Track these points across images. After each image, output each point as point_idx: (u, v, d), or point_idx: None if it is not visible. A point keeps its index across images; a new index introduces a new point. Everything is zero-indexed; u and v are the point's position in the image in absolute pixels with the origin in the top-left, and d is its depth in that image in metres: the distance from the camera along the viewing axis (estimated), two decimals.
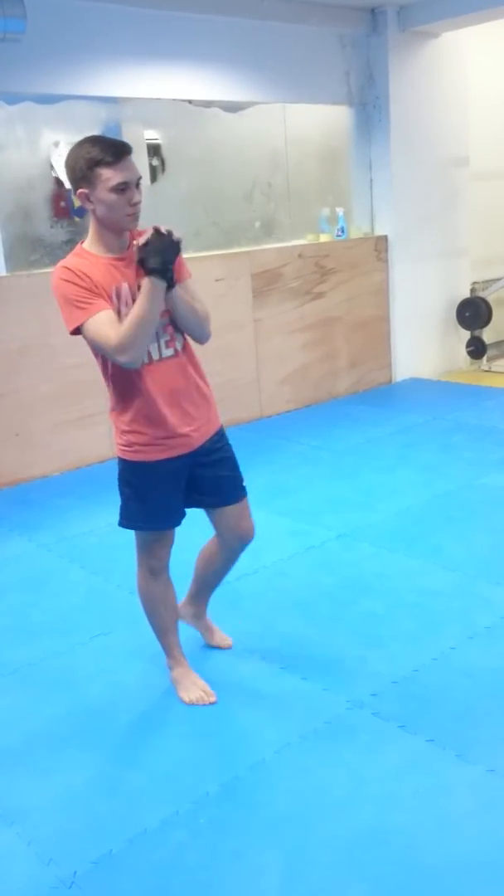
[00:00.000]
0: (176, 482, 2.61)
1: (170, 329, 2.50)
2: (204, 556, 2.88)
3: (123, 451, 2.58)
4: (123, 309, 2.40)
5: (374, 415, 6.14)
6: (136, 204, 2.38)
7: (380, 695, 2.74)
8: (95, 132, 6.36)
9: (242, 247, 6.20)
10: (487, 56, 7.19)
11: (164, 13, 5.31)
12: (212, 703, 2.74)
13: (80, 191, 2.36)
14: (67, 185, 6.21)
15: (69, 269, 2.39)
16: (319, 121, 6.75)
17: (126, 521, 2.67)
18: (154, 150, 6.74)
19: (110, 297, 2.39)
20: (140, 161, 6.65)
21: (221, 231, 6.22)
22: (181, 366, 2.54)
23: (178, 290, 2.42)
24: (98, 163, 2.30)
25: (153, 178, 6.65)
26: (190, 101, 5.79)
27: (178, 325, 2.51)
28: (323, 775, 2.41)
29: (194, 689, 2.77)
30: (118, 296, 2.40)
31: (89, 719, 2.74)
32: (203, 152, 6.13)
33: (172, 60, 5.46)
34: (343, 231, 6.62)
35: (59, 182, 6.17)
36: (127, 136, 6.45)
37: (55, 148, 6.41)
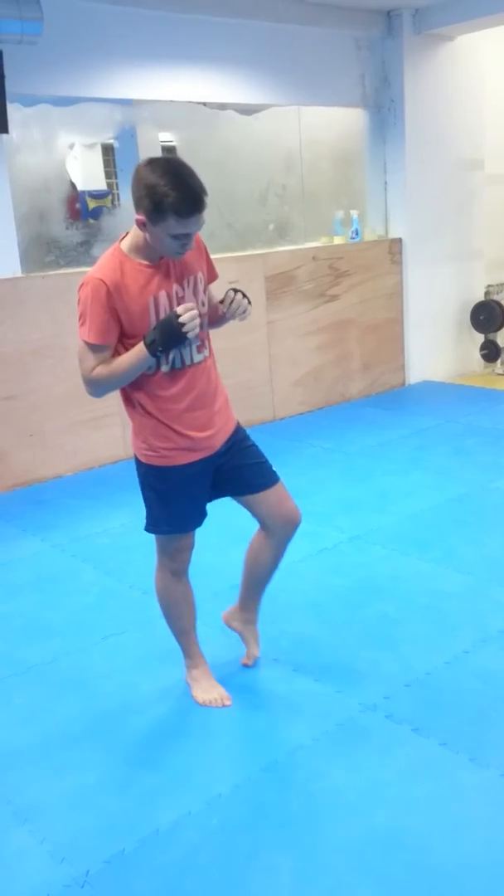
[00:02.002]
0: (200, 484, 2.61)
1: (202, 334, 2.51)
2: (252, 552, 2.82)
3: (148, 456, 2.56)
4: (163, 315, 2.40)
5: (387, 417, 6.13)
6: (188, 249, 2.36)
7: (392, 697, 2.73)
8: (110, 134, 6.45)
9: (256, 249, 6.21)
10: (503, 59, 7.17)
11: (178, 16, 5.33)
12: (225, 707, 2.74)
13: (138, 213, 2.29)
14: (80, 187, 6.18)
15: (104, 284, 2.33)
16: (334, 123, 6.75)
17: (152, 525, 2.66)
18: (168, 152, 6.76)
19: (146, 310, 2.38)
20: None
21: (235, 233, 6.23)
22: (207, 369, 2.55)
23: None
24: (170, 211, 2.22)
25: (136, 185, 6.68)
26: (205, 104, 5.80)
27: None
28: (335, 778, 2.41)
29: (212, 690, 2.77)
30: (156, 304, 2.40)
31: (102, 719, 2.75)
32: (217, 154, 6.14)
33: (187, 63, 5.47)
34: (357, 233, 6.62)
35: (73, 184, 6.20)
36: (142, 139, 6.49)
37: (70, 150, 6.44)
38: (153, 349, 2.34)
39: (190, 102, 5.69)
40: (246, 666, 2.95)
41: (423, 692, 2.76)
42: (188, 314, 2.30)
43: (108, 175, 7.19)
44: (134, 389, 2.50)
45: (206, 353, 2.54)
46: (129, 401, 2.55)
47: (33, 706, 2.86)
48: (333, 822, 2.23)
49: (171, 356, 2.43)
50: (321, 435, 5.74)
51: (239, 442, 2.66)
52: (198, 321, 2.33)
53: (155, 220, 2.25)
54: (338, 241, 6.58)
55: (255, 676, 2.92)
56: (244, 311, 2.50)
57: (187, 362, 2.48)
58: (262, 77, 5.86)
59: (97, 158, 7.15)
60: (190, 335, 2.32)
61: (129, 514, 4.52)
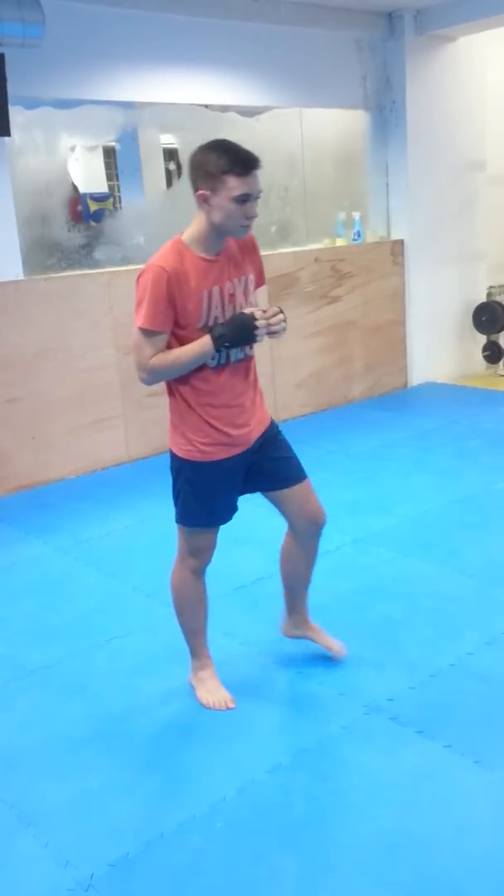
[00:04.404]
0: (233, 479, 2.63)
1: None
2: (284, 556, 2.87)
3: (186, 451, 2.58)
4: (214, 310, 2.44)
5: (389, 419, 6.13)
6: (252, 217, 2.39)
7: (397, 700, 2.72)
8: (112, 137, 6.45)
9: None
10: None
11: (180, 18, 5.33)
12: (229, 710, 2.73)
13: (200, 192, 2.37)
14: (83, 189, 6.20)
15: (166, 271, 2.37)
16: (336, 125, 6.75)
17: (183, 518, 2.66)
18: (170, 154, 6.76)
19: (200, 302, 2.41)
20: (156, 165, 6.69)
21: None
22: (248, 367, 2.59)
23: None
24: (228, 171, 2.31)
25: (169, 182, 6.68)
26: (206, 106, 5.80)
27: None
28: (340, 780, 2.40)
29: (217, 693, 2.76)
30: (209, 299, 2.43)
31: (106, 722, 2.74)
32: None
33: (189, 65, 5.47)
34: (359, 235, 6.62)
35: (75, 187, 6.20)
36: (143, 141, 6.49)
37: (72, 152, 6.44)
38: (220, 343, 2.38)
39: (192, 105, 5.69)
40: (339, 658, 2.93)
41: (428, 694, 2.76)
42: (270, 319, 2.39)
43: (109, 177, 7.19)
44: (178, 382, 2.52)
45: (249, 351, 2.57)
46: (171, 392, 2.57)
47: (37, 709, 2.86)
48: (338, 825, 2.23)
49: (224, 353, 2.47)
50: (324, 437, 5.74)
51: (271, 437, 2.69)
52: (272, 327, 2.40)
53: (216, 187, 2.32)
54: (340, 242, 6.58)
55: (259, 679, 2.92)
56: (282, 331, 2.48)
57: (231, 358, 2.51)
58: (263, 79, 5.86)
59: (99, 161, 7.15)
60: (259, 338, 2.40)
61: (132, 516, 4.52)
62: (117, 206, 6.82)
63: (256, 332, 2.39)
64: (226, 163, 2.31)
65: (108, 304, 5.26)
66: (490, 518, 4.22)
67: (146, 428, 5.50)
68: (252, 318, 2.39)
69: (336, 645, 2.96)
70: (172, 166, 6.70)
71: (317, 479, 2.85)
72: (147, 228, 5.85)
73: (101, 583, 3.78)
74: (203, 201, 2.37)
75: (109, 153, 7.11)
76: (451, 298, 7.17)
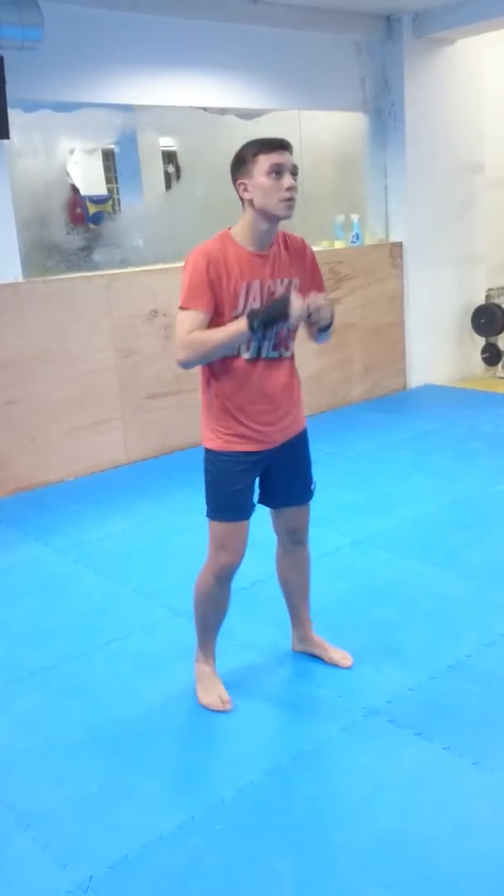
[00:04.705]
0: (251, 475, 2.65)
1: (283, 333, 2.56)
2: (278, 567, 2.95)
3: (210, 440, 2.62)
4: (251, 303, 2.47)
5: (388, 421, 6.13)
6: (291, 189, 2.45)
7: (396, 702, 2.73)
8: (111, 139, 6.45)
9: None
10: (503, 62, 7.18)
11: (179, 21, 5.34)
12: (225, 711, 2.72)
13: (238, 181, 2.47)
14: (82, 191, 6.21)
15: (207, 254, 2.45)
16: (334, 127, 6.76)
17: (208, 509, 2.68)
18: (169, 157, 6.77)
19: (237, 292, 2.45)
20: (155, 168, 6.70)
21: None
22: (283, 368, 2.61)
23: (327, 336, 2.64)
24: (258, 153, 2.43)
25: (168, 185, 6.68)
26: (205, 109, 5.81)
27: (309, 335, 2.67)
28: (339, 782, 2.40)
29: (215, 692, 2.76)
30: (248, 290, 2.47)
31: (105, 724, 2.74)
32: (218, 159, 6.10)
33: (188, 68, 5.48)
34: (358, 237, 6.62)
35: (75, 189, 6.21)
36: (142, 144, 6.50)
37: (71, 155, 6.45)
38: (251, 318, 2.39)
39: (190, 107, 5.70)
40: (347, 668, 2.93)
41: (427, 696, 2.76)
42: (311, 305, 2.41)
43: (108, 180, 7.20)
44: (212, 374, 2.55)
45: (286, 353, 2.60)
46: (205, 386, 2.60)
47: (35, 711, 2.85)
48: (337, 827, 2.23)
49: (256, 343, 2.49)
50: (323, 439, 5.70)
51: (296, 448, 2.73)
52: (306, 312, 2.41)
53: (251, 171, 2.43)
54: (339, 244, 6.59)
55: (258, 681, 2.92)
56: (322, 320, 2.51)
57: (263, 355, 2.54)
58: (262, 82, 5.87)
59: (97, 163, 7.16)
60: (292, 318, 2.41)
61: (130, 518, 4.52)
62: (116, 208, 6.83)
63: (290, 311, 2.39)
64: (256, 147, 2.44)
65: (108, 307, 5.26)
66: (489, 520, 4.22)
67: (145, 430, 5.51)
68: (288, 298, 2.41)
69: (340, 658, 2.96)
70: (171, 169, 6.71)
71: (316, 481, 2.86)
72: (146, 231, 5.86)
73: (101, 584, 3.78)
74: (244, 190, 2.46)
75: (108, 156, 7.12)
76: (449, 300, 7.17)
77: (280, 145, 2.44)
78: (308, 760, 2.49)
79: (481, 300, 7.30)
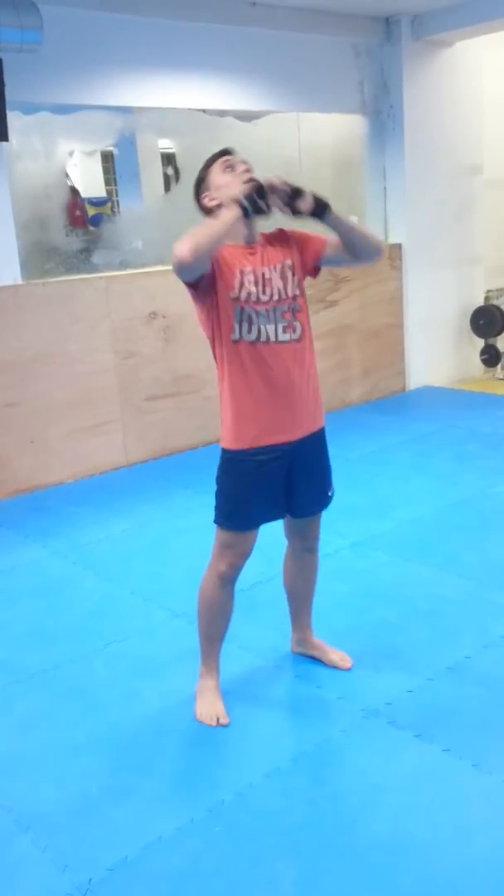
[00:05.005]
0: (272, 477, 2.60)
1: (287, 316, 2.54)
2: (284, 570, 2.94)
3: (227, 440, 2.59)
4: (247, 286, 2.48)
5: (387, 423, 6.13)
6: (248, 171, 2.52)
7: (395, 703, 2.73)
8: (110, 141, 6.46)
9: None
10: (501, 65, 7.19)
11: (178, 23, 5.34)
12: (222, 725, 2.68)
13: (202, 197, 2.58)
14: (83, 194, 6.21)
15: None
16: (333, 130, 6.76)
17: (217, 516, 2.65)
18: (168, 159, 6.79)
19: (234, 272, 2.47)
20: (154, 170, 6.71)
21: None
22: (296, 352, 2.57)
23: (335, 215, 2.51)
24: (209, 165, 2.59)
25: (167, 187, 6.69)
26: (204, 111, 5.81)
27: (352, 252, 2.59)
28: (338, 784, 2.40)
29: (212, 707, 2.71)
30: (242, 275, 2.48)
31: (104, 726, 2.74)
32: None
33: (186, 70, 5.49)
34: None
35: (74, 191, 6.22)
36: (141, 146, 6.51)
37: (70, 157, 6.45)
38: (239, 201, 2.40)
39: (189, 109, 5.70)
40: (346, 669, 2.92)
41: (426, 698, 2.76)
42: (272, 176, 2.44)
43: (107, 182, 7.21)
44: (226, 361, 2.53)
45: (295, 336, 2.56)
46: (220, 378, 2.58)
47: (35, 714, 2.86)
48: (337, 828, 2.23)
49: (256, 328, 2.49)
50: None
51: (317, 455, 2.71)
52: (279, 180, 2.43)
53: (208, 182, 2.57)
54: None
55: (258, 683, 2.92)
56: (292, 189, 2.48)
57: (272, 339, 2.52)
58: (261, 84, 5.87)
59: (97, 166, 7.18)
60: (268, 183, 2.43)
61: (130, 520, 4.52)
62: (115, 210, 6.84)
63: (265, 182, 2.43)
64: (206, 164, 2.60)
65: (107, 309, 5.26)
66: (488, 521, 4.22)
67: (144, 432, 5.51)
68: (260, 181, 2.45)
69: (340, 659, 2.96)
70: (170, 171, 6.72)
71: (334, 487, 2.86)
72: (145, 233, 5.86)
73: (100, 586, 3.78)
74: (209, 200, 2.54)
75: (107, 158, 7.13)
76: (448, 302, 7.18)
77: (225, 152, 2.59)
78: (307, 762, 2.49)
79: (480, 302, 7.30)
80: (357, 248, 2.60)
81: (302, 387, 2.59)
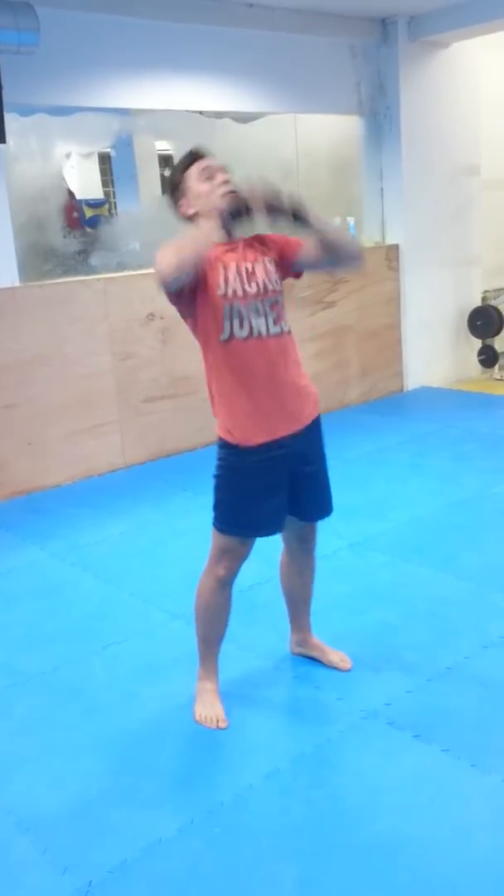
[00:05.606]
0: (273, 478, 2.58)
1: (276, 308, 2.56)
2: (282, 571, 2.92)
3: (220, 437, 2.59)
4: (232, 282, 2.48)
5: (385, 423, 6.14)
6: (227, 182, 2.48)
7: (394, 704, 2.73)
8: (108, 143, 6.46)
9: None
10: (498, 65, 7.20)
11: (175, 25, 5.34)
12: (220, 729, 2.67)
13: (178, 204, 2.53)
14: (79, 195, 6.21)
15: None
16: (330, 131, 6.77)
17: (216, 519, 2.62)
18: (166, 160, 6.78)
19: (217, 268, 2.47)
20: (151, 172, 6.70)
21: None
22: (282, 346, 2.58)
23: (313, 221, 2.51)
24: (185, 168, 2.51)
25: (164, 188, 6.69)
26: (201, 112, 5.82)
27: (329, 256, 2.57)
28: (338, 785, 2.40)
29: (212, 709, 2.71)
30: (226, 270, 2.49)
31: (103, 728, 2.74)
32: None
33: (184, 72, 5.49)
34: None
35: (71, 193, 6.22)
36: (138, 148, 6.51)
37: (67, 159, 6.45)
38: (219, 214, 2.40)
39: (187, 111, 5.70)
40: (345, 670, 2.92)
41: (425, 698, 2.76)
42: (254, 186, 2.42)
43: (104, 184, 7.21)
44: (213, 357, 2.54)
45: (287, 328, 2.60)
46: (208, 375, 2.58)
47: (34, 716, 2.85)
48: (336, 829, 2.23)
49: (248, 323, 2.49)
50: None
51: (315, 451, 2.70)
52: (260, 190, 2.41)
53: (184, 188, 2.50)
54: None
55: (257, 684, 2.92)
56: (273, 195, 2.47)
57: (263, 333, 2.52)
58: (258, 85, 5.88)
59: (94, 167, 7.17)
60: (250, 194, 2.41)
61: (128, 522, 4.52)
62: (113, 212, 6.84)
63: (247, 193, 2.41)
64: (180, 165, 2.53)
65: (104, 311, 5.26)
66: (486, 522, 4.23)
67: (142, 434, 5.51)
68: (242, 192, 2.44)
69: (339, 660, 2.96)
70: (168, 173, 6.72)
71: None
72: (143, 234, 5.86)
73: (98, 588, 3.78)
74: (187, 207, 2.51)
75: (105, 159, 7.13)
76: (446, 303, 7.18)
77: (200, 154, 2.53)
78: (307, 763, 2.49)
79: (477, 302, 7.31)
80: (335, 252, 2.59)
81: (288, 379, 2.59)
